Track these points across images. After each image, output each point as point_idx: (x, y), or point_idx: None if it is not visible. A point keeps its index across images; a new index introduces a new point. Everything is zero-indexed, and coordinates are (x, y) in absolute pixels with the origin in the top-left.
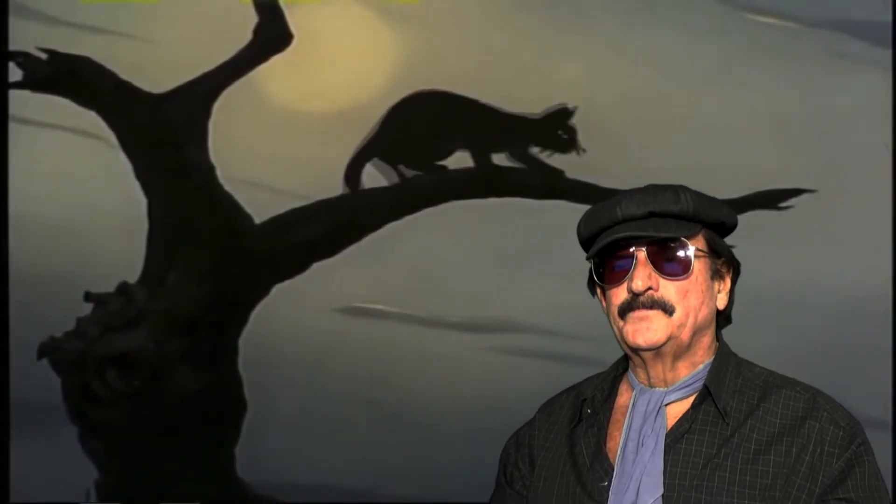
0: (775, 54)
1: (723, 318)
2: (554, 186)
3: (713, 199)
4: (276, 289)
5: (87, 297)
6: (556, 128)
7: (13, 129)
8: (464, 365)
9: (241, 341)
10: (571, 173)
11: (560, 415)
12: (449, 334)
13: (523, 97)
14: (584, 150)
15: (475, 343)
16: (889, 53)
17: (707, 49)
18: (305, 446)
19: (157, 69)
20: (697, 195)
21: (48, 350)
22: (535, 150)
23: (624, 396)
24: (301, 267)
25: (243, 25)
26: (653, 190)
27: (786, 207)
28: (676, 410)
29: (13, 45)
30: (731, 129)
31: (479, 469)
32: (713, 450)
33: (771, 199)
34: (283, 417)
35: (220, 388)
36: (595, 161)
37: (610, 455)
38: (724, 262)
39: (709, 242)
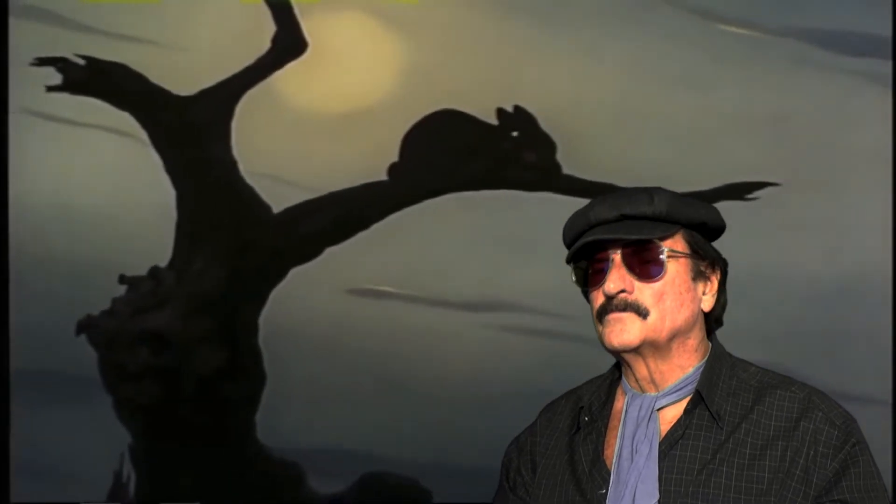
0: (743, 61)
1: (712, 319)
2: (543, 181)
3: (691, 200)
4: (293, 272)
5: (121, 279)
6: (517, 127)
7: (54, 128)
8: (463, 341)
9: (261, 320)
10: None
11: (560, 421)
12: (450, 313)
13: (514, 99)
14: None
15: (473, 321)
16: (844, 59)
17: (681, 56)
18: (319, 414)
19: (184, 74)
20: (673, 196)
21: (85, 327)
22: (528, 154)
23: (620, 402)
24: (315, 252)
25: (262, 34)
26: (626, 193)
27: (752, 199)
28: (671, 416)
29: (48, 52)
30: (702, 128)
31: (477, 434)
32: (708, 455)
33: (738, 191)
34: (299, 388)
35: (241, 361)
36: (580, 157)
37: (608, 462)
38: (707, 263)
39: (690, 244)
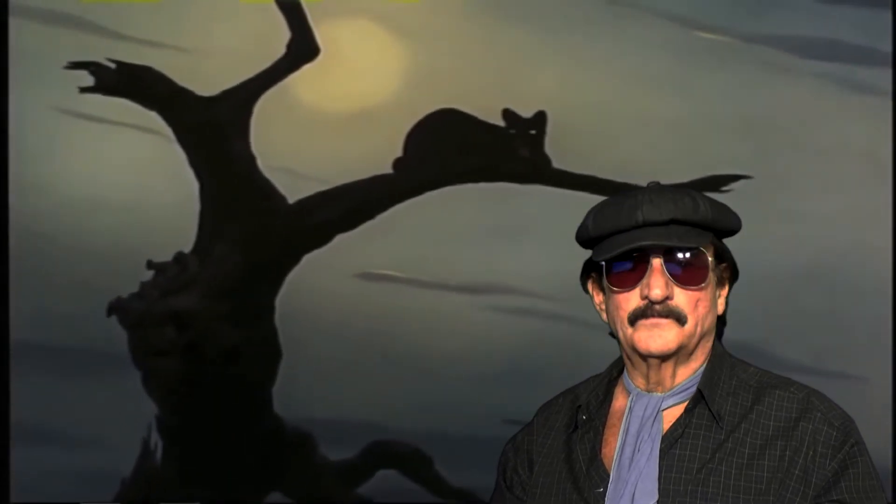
0: (718, 65)
1: (720, 320)
2: (536, 174)
3: (725, 207)
4: (306, 258)
5: (149, 265)
6: (534, 127)
7: (88, 126)
8: (461, 321)
9: (277, 301)
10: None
11: (557, 419)
12: (449, 295)
13: (508, 99)
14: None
15: (470, 303)
16: (810, 63)
17: (662, 60)
18: (330, 388)
19: (207, 77)
20: (712, 203)
21: (116, 309)
22: (522, 150)
23: (619, 401)
24: (326, 239)
25: (278, 40)
26: (671, 195)
27: (727, 190)
28: (672, 415)
29: (83, 56)
30: (680, 126)
31: (473, 406)
32: (707, 454)
33: (713, 184)
34: (312, 364)
35: (259, 340)
36: (569, 152)
37: (605, 461)
38: (726, 265)
39: (716, 249)
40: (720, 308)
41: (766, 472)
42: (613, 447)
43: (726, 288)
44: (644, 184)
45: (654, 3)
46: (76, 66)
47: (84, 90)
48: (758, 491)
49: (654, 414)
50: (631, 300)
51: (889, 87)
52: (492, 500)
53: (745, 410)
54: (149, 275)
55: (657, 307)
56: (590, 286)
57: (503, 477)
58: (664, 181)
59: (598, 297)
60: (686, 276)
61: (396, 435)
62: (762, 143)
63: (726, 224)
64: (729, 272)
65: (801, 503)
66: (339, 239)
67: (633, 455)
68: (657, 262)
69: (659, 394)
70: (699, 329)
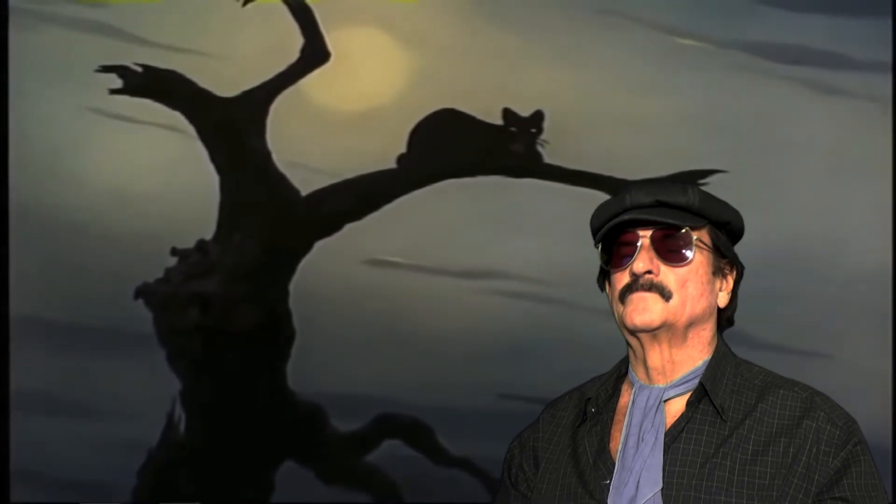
0: (694, 68)
1: (724, 318)
2: (529, 168)
3: (720, 201)
4: (317, 245)
5: (173, 251)
6: (532, 126)
7: (118, 125)
8: (459, 304)
9: (291, 285)
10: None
11: (564, 416)
12: (450, 280)
13: (504, 100)
14: (548, 142)
15: (470, 287)
16: (781, 67)
17: (644, 64)
18: (339, 364)
19: (227, 79)
20: (704, 193)
21: (143, 292)
22: (516, 146)
23: (625, 397)
24: (336, 228)
25: (293, 46)
26: (662, 183)
27: (704, 183)
28: (675, 408)
29: (112, 60)
30: (661, 124)
31: (470, 381)
32: (711, 449)
33: (692, 177)
34: (323, 343)
35: (275, 320)
36: (560, 149)
37: (612, 454)
38: (727, 261)
39: (713, 240)
40: (722, 301)
41: (769, 469)
42: (619, 442)
43: (728, 282)
44: (628, 177)
45: (638, 11)
46: (107, 69)
47: (113, 92)
48: (761, 486)
49: (656, 405)
50: (622, 279)
51: (854, 89)
52: (497, 497)
53: (748, 408)
54: (173, 261)
55: (641, 281)
56: (607, 285)
57: (508, 474)
58: (646, 175)
59: (608, 289)
60: (671, 254)
61: (401, 408)
62: (736, 141)
63: (718, 214)
64: (730, 267)
65: (804, 500)
66: (349, 228)
67: (637, 445)
68: (645, 240)
69: (660, 385)
70: (688, 309)
